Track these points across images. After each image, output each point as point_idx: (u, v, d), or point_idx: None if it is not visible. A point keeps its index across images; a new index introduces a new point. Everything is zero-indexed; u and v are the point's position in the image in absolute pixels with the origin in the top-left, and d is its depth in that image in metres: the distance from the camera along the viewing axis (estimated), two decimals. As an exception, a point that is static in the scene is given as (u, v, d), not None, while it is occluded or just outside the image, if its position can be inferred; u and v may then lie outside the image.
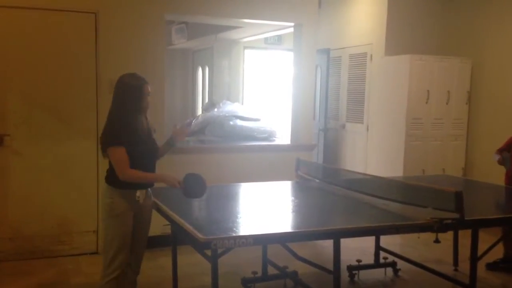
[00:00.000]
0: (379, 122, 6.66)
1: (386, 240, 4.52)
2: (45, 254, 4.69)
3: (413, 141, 6.20)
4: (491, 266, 4.56)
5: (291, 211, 3.49)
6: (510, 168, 4.56)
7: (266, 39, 8.44)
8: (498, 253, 4.47)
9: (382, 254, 4.53)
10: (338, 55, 7.42)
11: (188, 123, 6.29)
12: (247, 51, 8.85)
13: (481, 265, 3.92)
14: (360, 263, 4.35)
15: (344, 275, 4.23)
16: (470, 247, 3.49)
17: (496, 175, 4.82)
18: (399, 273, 4.50)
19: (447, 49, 6.64)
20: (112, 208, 3.07)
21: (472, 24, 6.47)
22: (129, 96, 3.06)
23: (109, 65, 4.68)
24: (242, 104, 8.26)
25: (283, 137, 6.17)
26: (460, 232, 4.41)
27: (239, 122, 6.02)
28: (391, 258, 4.53)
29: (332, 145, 7.52)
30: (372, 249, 4.57)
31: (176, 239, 3.65)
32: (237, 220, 3.15)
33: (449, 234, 4.12)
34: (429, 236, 3.14)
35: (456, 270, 4.57)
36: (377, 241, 4.55)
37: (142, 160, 3.10)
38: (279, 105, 8.60)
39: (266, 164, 5.34)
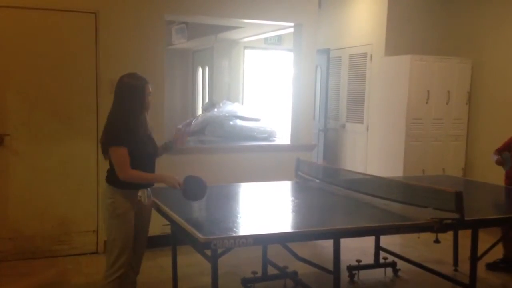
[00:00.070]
0: (379, 122, 6.66)
1: (386, 240, 4.52)
2: (45, 254, 4.69)
3: (413, 141, 6.21)
4: (491, 266, 4.56)
5: (291, 211, 3.49)
6: (511, 168, 4.56)
7: (266, 39, 8.44)
8: (498, 253, 4.47)
9: (382, 254, 4.53)
10: (338, 55, 7.42)
11: (188, 123, 6.29)
12: (247, 51, 8.85)
13: (481, 265, 3.92)
14: (360, 263, 4.35)
15: (344, 275, 4.23)
16: (470, 247, 3.49)
17: (496, 175, 4.82)
18: (399, 273, 4.50)
19: (447, 49, 6.64)
20: (114, 208, 3.07)
21: (472, 25, 6.47)
22: (130, 96, 3.06)
23: (109, 65, 4.69)
24: (242, 104, 8.26)
25: (283, 137, 6.17)
26: (460, 232, 4.41)
27: (239, 122, 6.02)
28: (391, 258, 4.53)
29: (332, 145, 7.52)
30: (372, 249, 4.57)
31: (176, 239, 3.65)
32: (237, 220, 3.15)
33: (449, 234, 4.12)
34: (429, 236, 3.14)
35: (456, 270, 4.57)
36: (377, 241, 4.55)
37: (142, 160, 3.10)
38: (279, 105, 8.60)
39: (266, 164, 5.34)
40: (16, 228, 4.61)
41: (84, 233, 4.83)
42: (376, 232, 3.56)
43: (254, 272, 4.02)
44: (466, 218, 3.04)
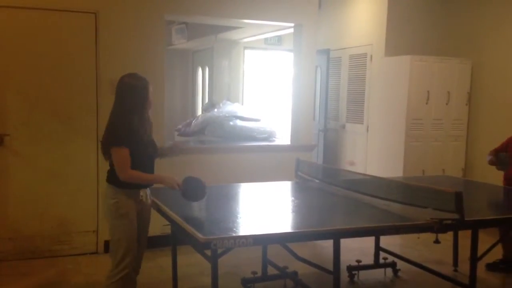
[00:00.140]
0: (379, 122, 6.66)
1: (386, 241, 4.52)
2: (45, 254, 4.69)
3: (413, 142, 6.21)
4: (491, 267, 4.56)
5: (291, 211, 3.49)
6: (507, 169, 4.56)
7: (266, 39, 8.44)
8: (497, 253, 4.47)
9: (382, 254, 4.53)
10: (338, 55, 7.42)
11: (187, 124, 6.28)
12: (247, 52, 8.84)
13: (480, 266, 3.92)
14: (360, 264, 4.35)
15: (344, 275, 4.23)
16: (470, 247, 3.49)
17: (496, 176, 4.82)
18: (399, 274, 4.50)
19: (447, 49, 6.65)
20: (117, 208, 3.07)
21: (472, 25, 6.47)
22: (130, 97, 3.06)
23: (109, 65, 4.69)
24: (242, 104, 8.26)
25: (283, 138, 6.17)
26: (460, 233, 4.42)
27: (239, 123, 6.02)
28: (391, 258, 4.53)
29: (332, 145, 7.52)
30: (372, 250, 4.57)
31: (176, 239, 3.65)
32: (237, 220, 3.15)
33: (449, 235, 4.12)
34: (429, 236, 3.14)
35: (456, 270, 4.57)
36: (377, 242, 4.55)
37: (142, 160, 3.11)
38: (279, 106, 8.60)
39: (266, 164, 5.34)
40: (16, 228, 4.61)
41: (84, 233, 4.83)
42: (376, 232, 3.56)
43: (254, 272, 4.02)
44: (466, 219, 3.04)
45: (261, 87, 9.04)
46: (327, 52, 7.34)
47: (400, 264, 4.52)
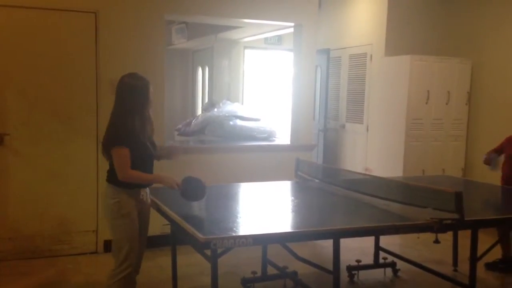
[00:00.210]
0: (379, 122, 6.66)
1: (386, 241, 4.52)
2: (44, 253, 4.69)
3: (413, 142, 6.21)
4: (490, 266, 4.56)
5: (290, 211, 3.49)
6: (496, 169, 4.59)
7: (266, 39, 8.44)
8: (497, 253, 4.47)
9: (382, 254, 4.53)
10: (338, 55, 7.42)
11: (187, 123, 6.28)
12: (247, 51, 8.84)
13: (480, 265, 3.92)
14: (360, 263, 4.35)
15: (344, 275, 4.23)
16: (469, 247, 3.49)
17: (496, 176, 4.81)
18: (399, 274, 4.50)
19: (447, 49, 6.64)
20: (119, 208, 3.07)
21: (472, 25, 6.47)
22: (131, 97, 3.06)
23: (109, 65, 4.69)
24: (242, 104, 8.26)
25: (283, 137, 6.17)
26: (460, 233, 4.42)
27: (239, 122, 6.02)
28: (390, 258, 4.53)
29: (331, 145, 7.52)
30: (371, 249, 4.57)
31: (176, 238, 3.65)
32: (237, 220, 3.15)
33: (449, 235, 4.12)
34: (428, 236, 3.14)
35: (455, 270, 4.57)
36: (377, 241, 4.55)
37: (143, 160, 3.12)
38: (279, 105, 8.60)
39: (266, 164, 5.34)
40: (16, 228, 4.61)
41: (84, 233, 4.83)
42: (376, 232, 3.56)
43: (254, 272, 4.02)
44: (466, 219, 3.04)
45: (261, 87, 9.04)
46: (327, 52, 7.34)
47: (400, 264, 4.52)
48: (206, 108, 7.17)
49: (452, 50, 6.62)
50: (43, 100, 4.63)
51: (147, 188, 3.28)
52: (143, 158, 3.13)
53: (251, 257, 4.30)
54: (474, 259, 3.49)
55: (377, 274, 4.47)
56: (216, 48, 8.79)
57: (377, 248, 4.54)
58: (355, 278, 4.35)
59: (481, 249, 3.57)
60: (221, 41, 8.34)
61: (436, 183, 4.10)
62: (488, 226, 3.88)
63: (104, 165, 3.22)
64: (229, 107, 6.33)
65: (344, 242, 3.11)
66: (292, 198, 4.05)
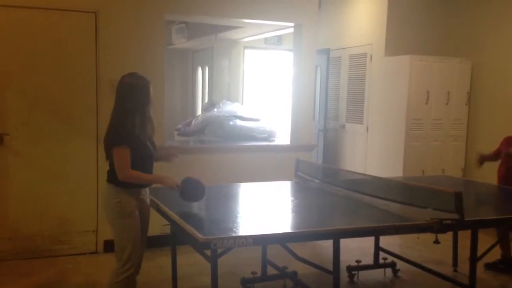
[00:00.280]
0: (379, 122, 6.66)
1: (386, 241, 4.52)
2: (44, 254, 4.69)
3: (413, 142, 6.20)
4: (490, 267, 4.56)
5: (290, 211, 3.49)
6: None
7: (266, 39, 8.44)
8: (497, 254, 4.47)
9: (382, 254, 4.53)
10: (338, 55, 7.42)
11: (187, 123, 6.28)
12: (247, 51, 8.85)
13: (479, 266, 3.92)
14: (360, 264, 4.35)
15: (344, 275, 4.23)
16: (469, 247, 3.49)
17: (496, 176, 4.81)
18: (399, 274, 4.50)
19: (447, 49, 6.64)
20: (121, 208, 3.07)
21: (472, 25, 6.47)
22: (131, 97, 3.06)
23: (109, 65, 4.69)
24: (242, 104, 8.26)
25: (282, 137, 6.17)
26: (460, 233, 4.42)
27: (239, 122, 6.02)
28: (390, 258, 4.53)
29: (331, 145, 7.52)
30: (371, 250, 4.57)
31: (176, 239, 3.65)
32: (237, 220, 3.15)
33: (449, 235, 4.12)
34: (428, 236, 3.14)
35: (455, 270, 4.57)
36: (377, 242, 4.55)
37: (143, 160, 3.12)
38: (279, 105, 8.60)
39: (265, 164, 5.34)
40: (16, 228, 4.61)
41: (84, 233, 4.83)
42: (376, 232, 3.56)
43: (254, 272, 4.02)
44: (466, 219, 3.04)
45: (261, 87, 9.04)
46: (327, 52, 7.34)
47: (399, 264, 4.52)
48: (206, 108, 7.17)
49: (452, 50, 6.62)
50: (43, 100, 4.63)
51: (147, 188, 3.29)
52: (143, 158, 3.13)
53: (251, 257, 4.30)
54: (474, 259, 3.49)
55: (377, 274, 4.47)
56: (216, 48, 8.80)
57: (377, 248, 4.54)
58: (355, 279, 4.35)
59: (481, 249, 3.57)
60: (221, 41, 8.35)
61: (436, 183, 4.10)
62: (488, 226, 3.88)
63: (104, 165, 3.21)
64: (229, 107, 6.33)
65: (344, 243, 3.10)
66: (292, 198, 4.05)
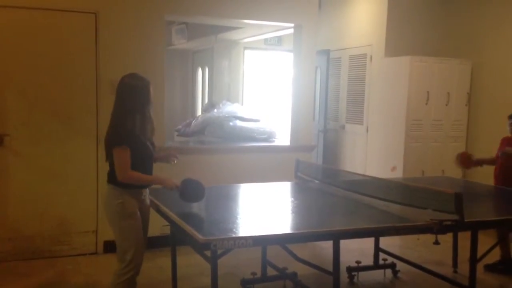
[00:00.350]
0: (378, 123, 6.66)
1: (386, 242, 4.52)
2: (44, 254, 4.69)
3: (413, 143, 6.21)
4: (489, 268, 4.56)
5: (290, 212, 3.49)
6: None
7: (266, 40, 8.44)
8: (496, 255, 4.47)
9: (382, 255, 4.53)
10: (338, 56, 7.43)
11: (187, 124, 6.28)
12: (247, 52, 8.85)
13: (479, 267, 3.92)
14: (360, 265, 4.35)
15: (344, 276, 4.23)
16: (469, 248, 3.49)
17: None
18: (399, 275, 4.50)
19: (447, 50, 6.64)
20: (123, 209, 3.07)
21: (472, 26, 6.47)
22: (131, 97, 3.06)
23: (109, 66, 4.69)
24: (242, 105, 8.26)
25: (282, 138, 6.17)
26: (460, 234, 4.42)
27: (238, 123, 6.01)
28: (390, 259, 4.53)
29: (331, 146, 7.52)
30: (371, 251, 4.57)
31: (176, 239, 3.65)
32: (237, 221, 3.15)
33: (449, 236, 4.12)
34: (428, 237, 3.14)
35: (455, 271, 4.57)
36: (377, 243, 4.54)
37: (143, 161, 3.12)
38: (279, 106, 8.60)
39: (265, 165, 5.34)
40: (16, 228, 4.61)
41: (84, 233, 4.83)
42: (376, 233, 3.56)
43: (254, 273, 4.02)
44: (465, 220, 3.03)
45: (261, 88, 9.04)
46: (327, 52, 7.34)
47: (399, 265, 4.52)
48: (206, 108, 7.17)
49: (452, 51, 6.62)
50: (43, 100, 4.63)
51: (147, 189, 3.29)
52: (143, 158, 3.13)
53: (250, 258, 4.30)
54: (474, 260, 3.49)
55: (377, 275, 4.47)
56: (216, 48, 8.80)
57: (377, 249, 4.54)
58: (355, 279, 4.35)
59: (481, 250, 3.57)
60: (221, 42, 8.35)
61: (436, 184, 4.10)
62: (488, 227, 3.88)
63: (104, 165, 3.21)
64: (229, 108, 6.33)
65: (344, 243, 3.10)
66: (292, 199, 4.05)
